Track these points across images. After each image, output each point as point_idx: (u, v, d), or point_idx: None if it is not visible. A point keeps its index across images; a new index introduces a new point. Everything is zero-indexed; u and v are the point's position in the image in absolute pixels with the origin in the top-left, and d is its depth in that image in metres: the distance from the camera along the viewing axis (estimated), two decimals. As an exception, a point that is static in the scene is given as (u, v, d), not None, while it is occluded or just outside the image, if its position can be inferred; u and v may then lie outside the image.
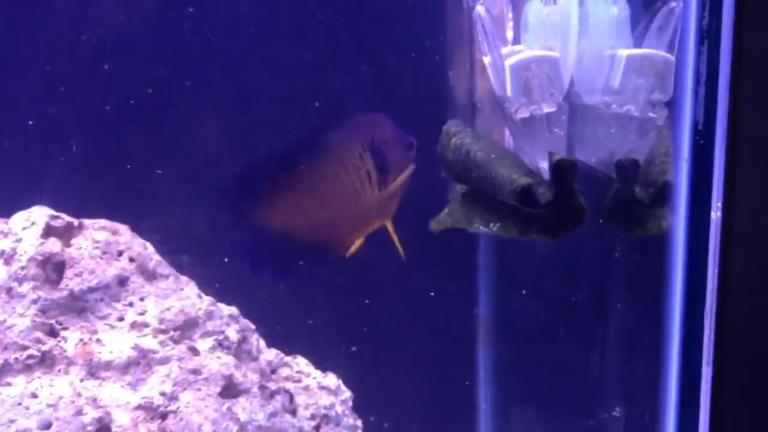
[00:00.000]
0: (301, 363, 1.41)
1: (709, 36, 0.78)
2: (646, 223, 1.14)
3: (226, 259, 1.42)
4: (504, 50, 1.18)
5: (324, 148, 1.17)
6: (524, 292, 1.58)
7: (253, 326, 1.39)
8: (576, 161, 1.05)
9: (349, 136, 1.18)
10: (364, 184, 1.17)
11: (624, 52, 1.08)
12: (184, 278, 1.38)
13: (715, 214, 0.81)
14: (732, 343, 0.81)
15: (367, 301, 1.58)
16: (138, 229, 1.38)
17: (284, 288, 1.53)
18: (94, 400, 1.22)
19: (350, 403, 1.40)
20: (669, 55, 1.07)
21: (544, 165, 1.13)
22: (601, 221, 1.09)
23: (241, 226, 1.23)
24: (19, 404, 1.20)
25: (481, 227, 1.19)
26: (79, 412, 1.20)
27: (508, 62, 1.12)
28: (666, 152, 1.11)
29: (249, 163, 1.21)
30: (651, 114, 1.14)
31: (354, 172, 1.17)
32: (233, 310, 1.37)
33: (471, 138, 1.22)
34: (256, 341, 1.38)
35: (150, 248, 1.38)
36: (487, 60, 1.28)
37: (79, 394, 1.22)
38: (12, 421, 1.19)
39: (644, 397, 1.19)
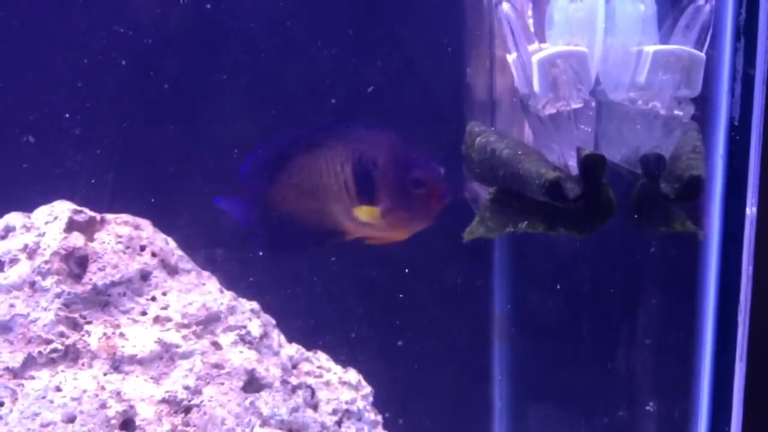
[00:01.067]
0: (322, 358, 1.41)
1: (746, 32, 0.78)
2: (671, 221, 1.14)
3: (251, 254, 1.43)
4: (530, 47, 1.17)
5: (317, 149, 1.27)
6: (542, 288, 1.58)
7: (274, 321, 1.39)
8: (604, 156, 1.05)
9: (337, 145, 1.26)
10: (341, 191, 1.24)
11: (651, 48, 1.08)
12: (205, 273, 1.38)
13: (750, 210, 0.81)
14: (765, 340, 0.81)
15: (400, 296, 1.58)
16: (159, 224, 1.38)
17: (305, 284, 1.53)
18: (118, 393, 1.22)
19: (371, 399, 1.40)
20: (696, 51, 1.06)
21: (571, 162, 1.13)
22: (630, 217, 1.09)
23: (252, 210, 1.34)
24: (44, 398, 1.20)
25: (512, 230, 1.19)
26: (103, 406, 1.20)
27: (535, 57, 1.12)
28: (692, 149, 1.10)
29: (255, 155, 1.31)
30: (677, 111, 1.13)
31: (334, 176, 1.25)
32: (254, 305, 1.38)
33: (495, 137, 1.21)
34: (278, 336, 1.38)
35: (172, 243, 1.38)
36: (511, 58, 1.28)
37: (103, 388, 1.22)
38: (36, 415, 1.19)
39: (674, 394, 1.19)
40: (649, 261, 1.29)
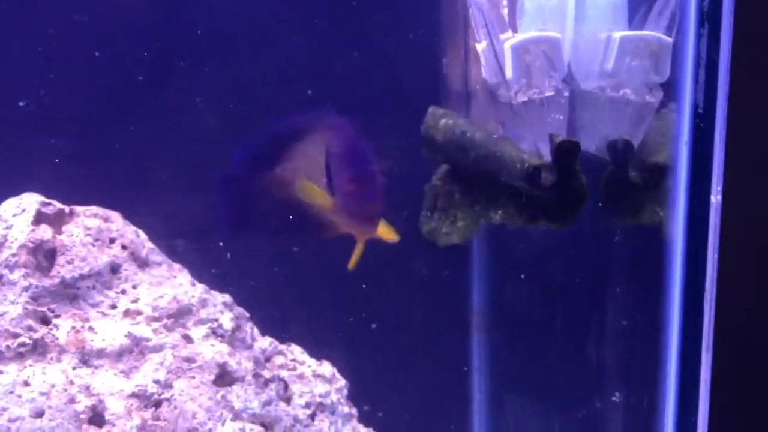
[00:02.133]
0: (296, 351, 1.40)
1: (709, 18, 0.77)
2: (640, 212, 1.13)
3: (221, 244, 1.42)
4: (503, 36, 1.16)
5: (305, 136, 1.23)
6: (519, 279, 1.57)
7: (247, 314, 1.38)
8: (578, 143, 1.05)
9: (319, 132, 1.22)
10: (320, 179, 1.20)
11: (618, 34, 1.08)
12: (177, 266, 1.37)
13: (715, 198, 0.80)
14: (731, 328, 0.80)
15: (363, 287, 1.57)
16: (130, 216, 1.37)
17: (278, 275, 1.52)
18: (87, 388, 1.21)
19: (345, 392, 1.39)
20: (664, 36, 1.06)
21: (543, 151, 1.12)
22: (598, 206, 1.08)
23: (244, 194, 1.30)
24: (11, 392, 1.19)
25: (485, 221, 1.18)
26: (72, 400, 1.19)
27: (507, 43, 1.11)
28: (662, 134, 1.10)
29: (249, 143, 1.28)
30: (648, 97, 1.13)
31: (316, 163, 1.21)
32: (227, 297, 1.36)
33: (463, 120, 1.21)
34: (251, 329, 1.37)
35: (142, 235, 1.36)
36: (480, 47, 1.27)
37: (72, 382, 1.20)
38: (4, 410, 1.17)
39: (643, 383, 1.19)
40: (615, 250, 1.29)
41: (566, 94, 1.15)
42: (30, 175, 1.42)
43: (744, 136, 0.77)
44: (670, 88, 1.03)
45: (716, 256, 0.79)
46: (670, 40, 1.05)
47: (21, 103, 1.44)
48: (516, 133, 1.19)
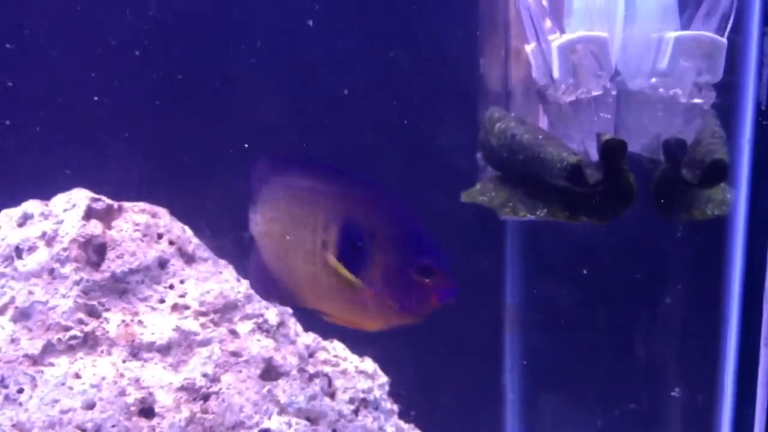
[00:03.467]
0: (338, 347, 1.41)
1: (773, 17, 0.78)
2: (692, 208, 1.14)
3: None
4: (550, 36, 1.17)
5: (314, 187, 1.01)
6: (554, 277, 1.58)
7: (290, 310, 1.39)
8: (625, 141, 1.05)
9: (335, 198, 1.00)
10: (315, 252, 0.99)
11: (672, 34, 1.08)
12: (222, 262, 1.38)
13: (777, 195, 0.81)
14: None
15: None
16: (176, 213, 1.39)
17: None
18: (137, 380, 1.22)
19: (387, 388, 1.40)
20: (718, 37, 1.07)
21: (591, 150, 1.13)
22: (652, 204, 1.09)
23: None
24: (63, 384, 1.21)
25: (528, 215, 1.19)
26: (122, 393, 1.21)
27: (555, 43, 1.12)
28: (712, 134, 1.10)
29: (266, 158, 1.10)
30: (697, 99, 1.14)
31: (311, 230, 0.99)
32: (271, 294, 1.38)
33: (515, 122, 1.22)
34: (294, 325, 1.38)
35: (188, 231, 1.38)
36: (529, 48, 1.28)
37: (122, 375, 1.22)
38: (56, 401, 1.19)
39: (696, 380, 1.19)
40: (671, 248, 1.29)
41: (614, 93, 1.16)
42: (78, 171, 1.44)
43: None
44: (728, 89, 1.03)
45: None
46: (724, 40, 1.06)
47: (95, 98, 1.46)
48: (565, 133, 1.20)
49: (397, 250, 0.95)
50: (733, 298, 0.85)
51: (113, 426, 1.18)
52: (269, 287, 1.06)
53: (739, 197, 0.83)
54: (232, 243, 1.37)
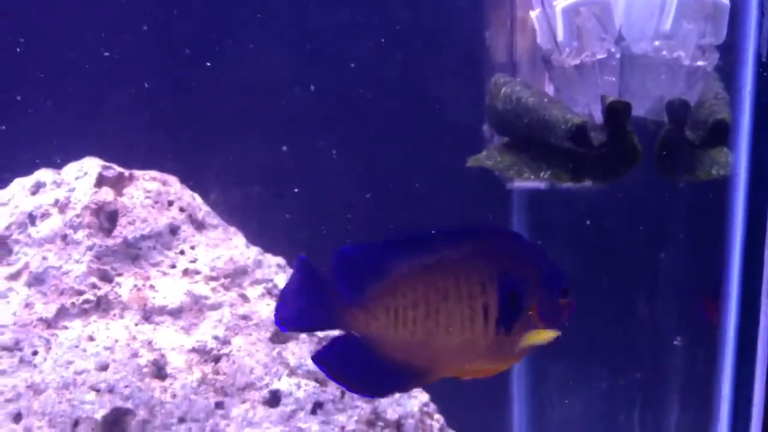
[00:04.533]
0: (347, 313, 1.43)
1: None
2: (696, 169, 1.15)
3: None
4: (555, 1, 1.18)
5: (442, 256, 0.92)
6: (559, 245, 1.58)
7: (299, 276, 1.41)
8: (629, 103, 1.07)
9: (477, 255, 0.92)
10: (475, 319, 0.90)
11: (675, -4, 1.09)
12: (232, 228, 1.41)
13: (777, 146, 0.82)
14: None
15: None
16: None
17: (327, 238, 1.55)
18: (149, 343, 1.25)
19: (395, 352, 1.42)
20: (721, -1, 1.08)
21: (596, 113, 1.14)
22: (655, 164, 1.10)
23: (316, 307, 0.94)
24: (77, 347, 1.23)
25: (532, 176, 1.20)
26: (135, 355, 1.23)
27: (559, 6, 1.13)
28: (715, 95, 1.11)
29: (355, 248, 0.95)
30: (701, 62, 1.15)
31: (466, 300, 0.91)
32: (280, 260, 1.40)
33: (521, 86, 1.23)
34: (303, 291, 1.40)
35: (198, 199, 1.40)
36: (534, 14, 1.29)
37: (135, 338, 1.25)
38: (70, 363, 1.22)
39: (696, 337, 1.21)
40: (674, 208, 1.30)
41: (618, 56, 1.17)
42: (87, 139, 1.46)
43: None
44: (730, 48, 1.04)
45: (778, 203, 0.81)
46: (727, 2, 1.07)
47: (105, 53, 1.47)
48: (570, 97, 1.21)
49: (547, 286, 0.92)
50: (734, 256, 0.86)
51: (126, 386, 1.21)
52: (386, 379, 0.93)
53: (741, 151, 0.84)
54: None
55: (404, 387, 0.97)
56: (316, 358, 0.93)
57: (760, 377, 0.87)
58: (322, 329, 0.99)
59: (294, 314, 0.92)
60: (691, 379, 1.31)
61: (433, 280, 0.90)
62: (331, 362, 0.92)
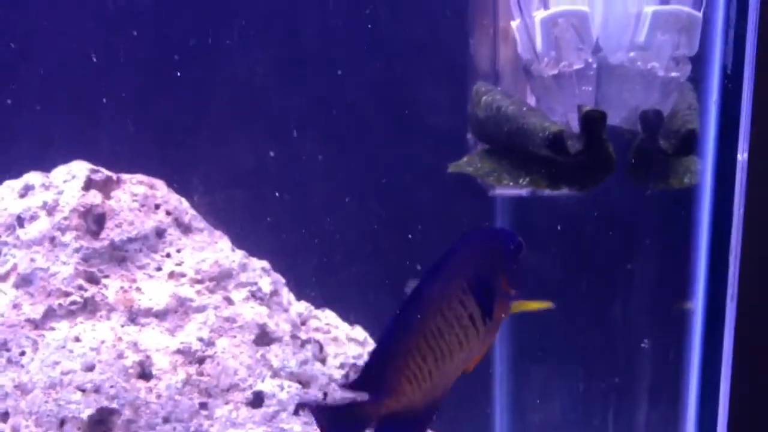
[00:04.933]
0: (330, 316, 1.46)
1: (738, -15, 0.82)
2: (669, 178, 1.18)
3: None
4: (534, 12, 1.22)
5: (424, 310, 1.00)
6: (540, 249, 1.61)
7: (283, 280, 1.44)
8: (605, 112, 1.10)
9: (450, 281, 1.00)
10: (469, 332, 0.99)
11: (650, 8, 1.12)
12: (217, 232, 1.43)
13: (742, 156, 0.85)
14: (755, 277, 0.85)
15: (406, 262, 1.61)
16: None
17: (312, 245, 1.57)
18: (135, 344, 1.27)
19: (377, 355, 1.44)
20: (694, 11, 1.11)
21: (574, 122, 1.17)
22: (629, 173, 1.13)
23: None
24: (63, 347, 1.25)
25: (511, 183, 1.23)
26: (121, 356, 1.25)
27: (538, 16, 1.16)
28: (688, 106, 1.15)
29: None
30: (674, 73, 1.18)
31: (457, 325, 0.99)
32: (265, 263, 1.42)
33: (501, 95, 1.26)
34: (287, 294, 1.43)
35: (185, 203, 1.43)
36: (515, 24, 1.32)
37: (120, 339, 1.27)
38: (56, 363, 1.24)
39: (666, 333, 1.24)
40: (647, 215, 1.33)
41: (595, 66, 1.20)
42: (75, 144, 1.49)
43: (770, 98, 0.82)
44: (700, 59, 1.07)
45: (742, 210, 0.84)
46: (699, 14, 1.10)
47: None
48: (548, 106, 1.24)
49: (508, 259, 1.00)
50: (700, 259, 0.89)
51: (112, 387, 1.23)
52: (426, 419, 1.03)
53: (707, 157, 0.87)
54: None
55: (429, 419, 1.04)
56: None
57: (725, 374, 0.90)
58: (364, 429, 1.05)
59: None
60: (661, 377, 1.35)
61: (428, 331, 0.98)
62: None
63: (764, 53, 0.79)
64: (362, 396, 1.00)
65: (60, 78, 1.56)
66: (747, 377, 0.88)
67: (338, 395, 1.30)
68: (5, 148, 1.49)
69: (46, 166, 1.41)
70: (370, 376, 1.00)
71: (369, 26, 1.61)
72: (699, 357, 0.90)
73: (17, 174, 1.41)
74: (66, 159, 1.42)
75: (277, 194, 1.55)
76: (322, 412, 1.02)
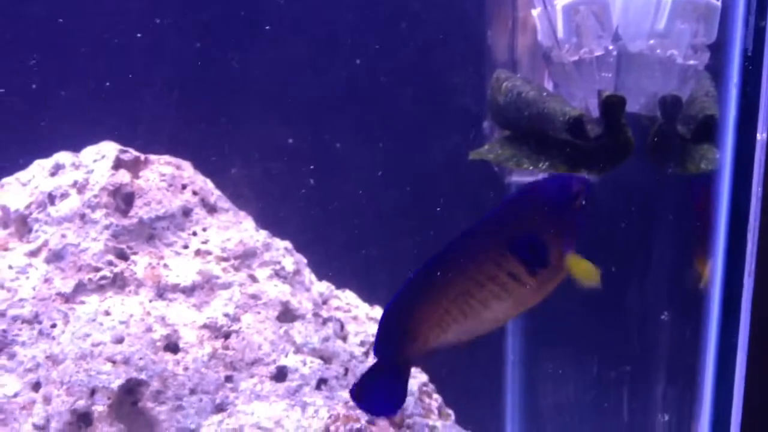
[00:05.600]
0: (350, 296, 1.49)
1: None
2: (686, 162, 1.22)
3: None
4: (556, 1, 1.25)
5: (454, 262, 1.01)
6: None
7: (305, 260, 1.47)
8: (624, 97, 1.13)
9: (485, 240, 1.01)
10: (509, 288, 1.00)
11: (669, -3, 1.16)
12: (242, 213, 1.47)
13: (761, 135, 0.88)
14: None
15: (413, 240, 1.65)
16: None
17: (334, 228, 1.61)
18: (163, 318, 1.31)
19: (396, 334, 1.48)
20: (713, 0, 1.14)
21: (592, 107, 1.20)
22: (647, 157, 1.17)
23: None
24: (94, 320, 1.29)
25: (531, 167, 1.26)
26: (149, 329, 1.29)
27: (559, 4, 1.19)
28: (706, 93, 1.18)
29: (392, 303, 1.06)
30: (692, 61, 1.21)
31: (489, 282, 1.00)
32: (287, 244, 1.46)
33: (521, 81, 1.29)
34: (309, 274, 1.46)
35: (210, 184, 1.46)
36: (536, 12, 1.35)
37: (149, 313, 1.30)
38: (87, 335, 1.28)
39: (684, 310, 1.27)
40: (660, 196, 1.36)
41: (615, 53, 1.23)
42: (102, 126, 1.52)
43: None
44: (719, 48, 1.11)
45: (760, 189, 0.88)
46: (718, 3, 1.13)
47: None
48: (568, 92, 1.27)
49: (557, 212, 1.01)
50: (720, 236, 0.93)
51: (141, 359, 1.26)
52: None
53: (727, 138, 0.90)
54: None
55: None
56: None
57: (741, 350, 0.93)
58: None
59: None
60: (677, 356, 1.38)
61: (457, 287, 1.00)
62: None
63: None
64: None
65: (88, 64, 1.60)
66: (763, 355, 0.91)
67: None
68: (35, 129, 1.53)
69: (72, 146, 1.45)
70: (390, 327, 1.03)
71: (393, 17, 1.64)
72: (716, 334, 0.93)
73: (47, 154, 1.44)
74: (92, 141, 1.45)
75: (309, 173, 1.58)
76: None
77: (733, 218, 0.92)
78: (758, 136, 0.88)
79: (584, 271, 1.04)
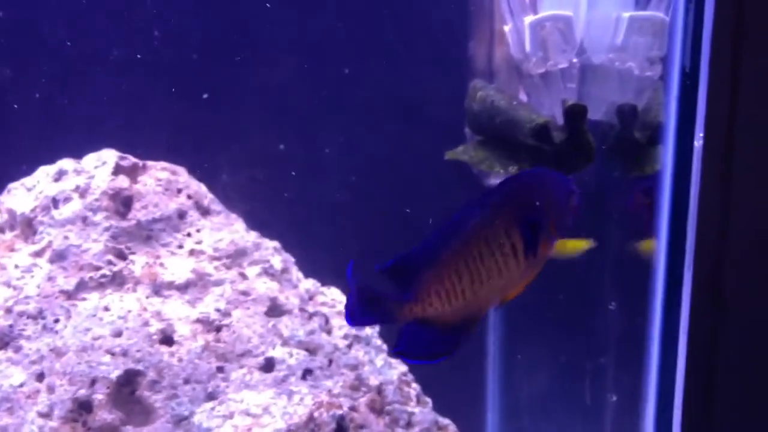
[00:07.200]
0: (335, 292, 1.58)
1: (695, -5, 0.95)
2: (643, 165, 1.32)
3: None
4: (525, 17, 1.35)
5: (467, 232, 1.01)
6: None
7: (293, 259, 1.57)
8: (585, 105, 1.23)
9: (498, 210, 1.01)
10: (509, 262, 1.01)
11: (627, 14, 1.25)
12: (233, 215, 1.56)
13: (697, 143, 0.98)
14: (708, 249, 0.98)
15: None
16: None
17: (318, 226, 1.70)
18: (159, 314, 1.40)
19: (378, 328, 1.57)
20: (666, 16, 1.24)
21: (558, 116, 1.31)
22: (606, 161, 1.26)
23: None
24: (94, 315, 1.38)
25: (501, 170, 1.36)
26: (146, 324, 1.38)
27: (527, 20, 1.29)
28: (660, 102, 1.28)
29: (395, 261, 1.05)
30: (649, 72, 1.31)
31: (498, 252, 1.01)
32: (276, 244, 1.55)
33: (494, 91, 1.39)
34: (296, 272, 1.56)
35: (203, 188, 1.56)
36: (507, 28, 1.46)
37: (146, 309, 1.40)
38: (88, 330, 1.37)
39: (632, 297, 1.36)
40: (611, 199, 1.46)
41: (578, 66, 1.33)
42: (103, 133, 1.62)
43: (721, 93, 0.95)
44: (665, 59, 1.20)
45: (698, 190, 0.97)
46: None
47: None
48: (538, 102, 1.37)
49: (558, 200, 1.01)
50: (662, 232, 1.02)
51: (138, 351, 1.36)
52: (451, 341, 1.04)
53: (668, 145, 1.00)
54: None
55: (463, 340, 1.07)
56: (395, 353, 1.09)
57: (683, 333, 1.02)
58: (384, 323, 1.13)
59: (359, 319, 1.06)
60: (629, 343, 1.48)
61: (467, 252, 1.00)
62: (408, 351, 1.05)
63: (716, 56, 0.92)
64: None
65: (87, 73, 1.69)
66: (701, 339, 1.00)
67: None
68: (40, 137, 1.62)
69: (74, 154, 1.54)
70: (401, 273, 1.02)
71: (378, 30, 1.73)
72: (660, 322, 1.03)
73: (51, 160, 1.54)
74: (93, 148, 1.54)
75: (296, 178, 1.67)
76: (361, 291, 1.02)
77: (674, 215, 1.01)
78: (695, 143, 0.98)
79: (573, 245, 1.08)
